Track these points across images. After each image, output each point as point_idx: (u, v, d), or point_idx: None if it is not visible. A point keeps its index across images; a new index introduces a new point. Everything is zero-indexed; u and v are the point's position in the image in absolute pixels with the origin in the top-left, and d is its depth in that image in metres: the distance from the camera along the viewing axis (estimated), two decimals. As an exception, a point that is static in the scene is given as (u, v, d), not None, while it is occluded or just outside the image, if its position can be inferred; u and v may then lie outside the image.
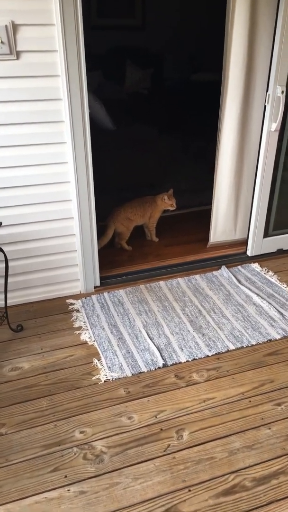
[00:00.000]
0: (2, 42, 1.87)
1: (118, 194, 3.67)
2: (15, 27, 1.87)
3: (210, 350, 2.10)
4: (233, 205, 2.82)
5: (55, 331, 2.24)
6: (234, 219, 2.88)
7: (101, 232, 2.76)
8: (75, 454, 1.61)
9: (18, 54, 1.92)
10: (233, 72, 2.40)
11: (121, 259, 2.85)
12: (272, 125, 2.43)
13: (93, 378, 1.94)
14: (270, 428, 1.71)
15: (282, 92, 2.34)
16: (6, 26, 1.85)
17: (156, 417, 1.75)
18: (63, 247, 2.38)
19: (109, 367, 2.00)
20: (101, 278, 2.57)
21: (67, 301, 2.46)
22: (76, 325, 2.28)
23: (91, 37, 4.99)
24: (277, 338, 2.18)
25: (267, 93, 2.38)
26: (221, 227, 2.88)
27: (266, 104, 2.41)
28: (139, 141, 3.77)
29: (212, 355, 2.07)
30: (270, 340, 2.16)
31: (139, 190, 3.40)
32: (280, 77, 2.33)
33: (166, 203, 2.99)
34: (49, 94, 2.02)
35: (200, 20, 5.22)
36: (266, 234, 2.81)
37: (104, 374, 1.96)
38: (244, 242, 2.92)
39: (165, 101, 4.92)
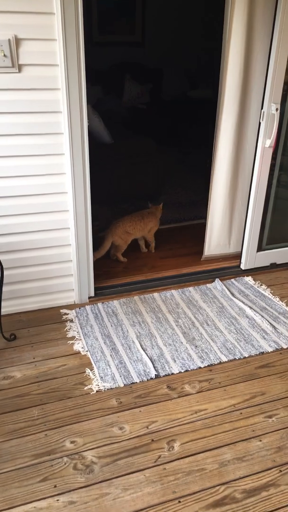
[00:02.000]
0: (4, 55, 1.92)
1: (115, 206, 3.72)
2: (17, 41, 1.92)
3: (202, 362, 2.11)
4: (227, 219, 2.86)
5: (48, 341, 2.24)
6: (229, 233, 2.92)
7: (98, 243, 2.78)
8: (65, 464, 1.60)
9: (20, 67, 1.96)
10: (229, 89, 2.46)
11: (116, 270, 2.87)
12: (267, 142, 2.48)
13: (85, 388, 1.94)
14: (261, 440, 1.71)
15: (277, 109, 2.40)
16: (9, 40, 1.90)
17: (147, 427, 1.75)
18: (58, 257, 2.39)
19: (102, 377, 2.00)
20: (96, 289, 2.59)
21: (61, 311, 2.47)
22: (70, 335, 2.28)
23: (92, 53, 5.12)
24: (269, 351, 2.19)
25: (262, 110, 2.44)
26: (216, 240, 2.92)
27: (260, 121, 2.47)
28: (136, 154, 3.83)
29: (205, 367, 2.08)
30: (262, 353, 2.18)
31: (136, 202, 3.45)
32: (275, 95, 2.39)
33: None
34: (49, 106, 2.06)
35: (199, 38, 5.36)
36: (259, 248, 2.85)
37: (96, 384, 1.96)
38: (238, 256, 2.95)
39: (163, 116, 5.01)
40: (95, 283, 2.57)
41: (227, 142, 2.60)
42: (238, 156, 2.67)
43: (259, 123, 2.49)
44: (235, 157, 2.67)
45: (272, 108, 2.41)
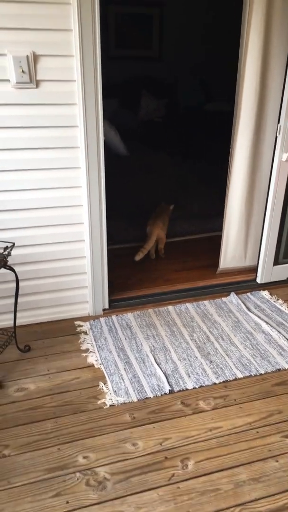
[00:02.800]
0: (23, 71, 1.96)
1: (129, 218, 3.72)
2: (35, 57, 1.96)
3: (217, 378, 2.08)
4: (243, 232, 2.84)
5: (62, 353, 2.23)
6: (245, 246, 2.89)
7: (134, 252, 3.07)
8: (77, 479, 1.59)
9: (37, 83, 2.00)
10: (246, 102, 2.46)
11: (131, 283, 2.86)
12: (283, 156, 2.47)
13: (99, 402, 1.93)
14: (277, 461, 1.67)
15: (293, 123, 2.39)
16: (27, 56, 1.93)
17: (161, 444, 1.73)
18: (73, 269, 2.40)
19: (115, 391, 1.98)
20: (110, 301, 2.58)
21: (75, 322, 2.47)
22: (83, 347, 2.28)
23: (109, 67, 5.19)
24: (286, 368, 2.15)
25: (279, 125, 2.43)
26: (231, 253, 2.89)
27: (277, 134, 2.45)
28: (151, 167, 3.85)
29: (220, 383, 2.05)
30: (279, 370, 2.13)
31: (148, 215, 3.46)
32: (292, 108, 2.38)
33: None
34: (66, 121, 2.09)
35: (215, 53, 5.39)
36: (276, 262, 2.81)
37: (110, 398, 1.94)
38: (254, 269, 2.92)
39: (179, 130, 5.03)
40: (109, 296, 2.57)
41: (243, 156, 2.60)
42: (254, 169, 2.66)
43: (276, 137, 2.47)
44: (251, 170, 2.65)
45: (288, 122, 2.39)
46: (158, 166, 3.93)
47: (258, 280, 2.85)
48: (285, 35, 2.30)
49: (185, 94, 5.60)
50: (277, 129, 2.46)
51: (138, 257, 3.06)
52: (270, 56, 2.37)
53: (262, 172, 2.67)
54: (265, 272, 2.81)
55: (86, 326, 2.45)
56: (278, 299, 2.72)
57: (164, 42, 5.49)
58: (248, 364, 2.17)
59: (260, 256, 2.79)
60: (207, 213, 3.81)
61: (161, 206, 3.32)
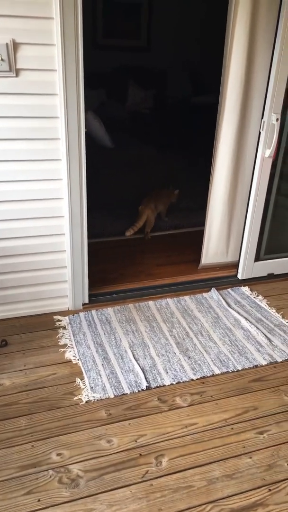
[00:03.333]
0: (2, 59, 1.90)
1: (112, 211, 3.69)
2: (15, 45, 1.90)
3: (195, 374, 2.08)
4: (225, 228, 2.83)
5: (40, 348, 2.21)
6: (227, 242, 2.89)
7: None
8: (50, 477, 1.57)
9: (17, 72, 1.95)
10: (230, 97, 2.44)
11: (112, 277, 2.85)
12: (266, 152, 2.46)
13: (75, 398, 1.91)
14: (251, 457, 1.68)
15: (277, 119, 2.38)
16: (7, 44, 1.88)
17: (136, 441, 1.72)
18: (53, 263, 2.37)
19: (92, 388, 1.97)
20: (90, 296, 2.56)
21: (54, 317, 2.44)
22: (62, 342, 2.25)
23: (97, 56, 5.10)
24: (263, 364, 2.16)
25: (262, 120, 2.42)
26: (213, 249, 2.89)
27: (261, 130, 2.44)
28: (137, 159, 3.81)
29: (197, 379, 2.05)
30: (256, 366, 2.15)
31: (135, 208, 3.43)
32: (276, 105, 2.37)
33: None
34: (46, 112, 2.04)
35: (205, 43, 5.33)
36: (257, 258, 2.82)
37: (86, 394, 1.93)
38: (236, 265, 2.92)
39: (166, 121, 4.99)
40: (90, 290, 2.54)
41: (226, 150, 2.58)
42: (238, 164, 2.65)
43: (259, 132, 2.46)
44: (234, 165, 2.64)
45: (272, 118, 2.38)
46: (144, 158, 3.89)
47: (239, 276, 2.86)
48: (270, 28, 2.27)
49: (174, 86, 5.55)
50: (260, 125, 2.44)
51: (128, 233, 3.27)
52: (256, 50, 2.34)
53: (245, 167, 2.66)
54: (246, 268, 2.82)
55: (65, 320, 2.42)
56: (258, 295, 2.73)
57: (153, 32, 5.41)
58: (226, 360, 2.18)
59: (242, 252, 2.79)
60: (193, 207, 3.81)
61: (161, 189, 3.46)
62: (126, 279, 2.83)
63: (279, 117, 2.38)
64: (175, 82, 5.54)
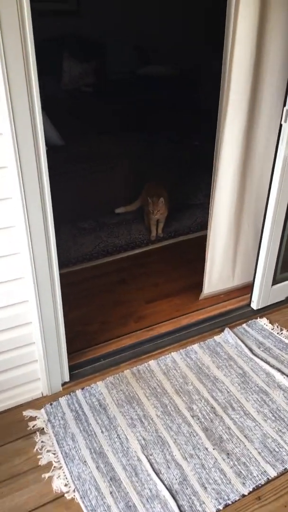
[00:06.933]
0: None
1: (74, 224, 2.93)
2: None
3: (244, 484, 1.47)
4: (231, 247, 2.21)
5: (12, 477, 1.48)
6: (233, 264, 2.27)
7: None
8: None
9: None
10: (235, 90, 1.76)
11: (92, 330, 2.12)
12: (289, 150, 1.82)
13: None
14: None
15: (303, 106, 1.73)
16: None
17: None
18: (15, 342, 1.61)
19: None
20: (71, 368, 1.84)
21: (25, 413, 1.70)
22: (44, 460, 1.54)
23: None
24: None
25: (284, 108, 1.76)
26: (217, 274, 2.26)
27: (283, 122, 1.79)
28: (95, 155, 3.03)
29: (249, 493, 1.45)
30: None
31: (100, 218, 2.71)
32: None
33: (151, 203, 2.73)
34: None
35: (148, 4, 4.47)
36: (274, 281, 2.23)
37: None
38: (243, 289, 2.33)
39: (115, 99, 4.17)
40: (69, 361, 1.82)
41: (231, 157, 1.93)
42: (245, 170, 2.00)
43: (280, 125, 1.80)
44: (242, 171, 2.00)
45: (298, 104, 1.73)
46: (101, 151, 3.10)
47: (253, 306, 2.26)
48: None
49: (115, 56, 4.70)
50: (282, 116, 1.78)
51: (118, 210, 2.98)
52: (269, 19, 1.66)
53: (253, 172, 2.02)
54: (263, 296, 2.22)
55: (41, 417, 1.69)
56: (281, 330, 2.15)
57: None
58: (277, 449, 1.58)
59: (256, 277, 2.18)
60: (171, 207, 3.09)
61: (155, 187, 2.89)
62: (110, 330, 2.12)
63: (305, 102, 1.73)
64: (117, 51, 4.69)
